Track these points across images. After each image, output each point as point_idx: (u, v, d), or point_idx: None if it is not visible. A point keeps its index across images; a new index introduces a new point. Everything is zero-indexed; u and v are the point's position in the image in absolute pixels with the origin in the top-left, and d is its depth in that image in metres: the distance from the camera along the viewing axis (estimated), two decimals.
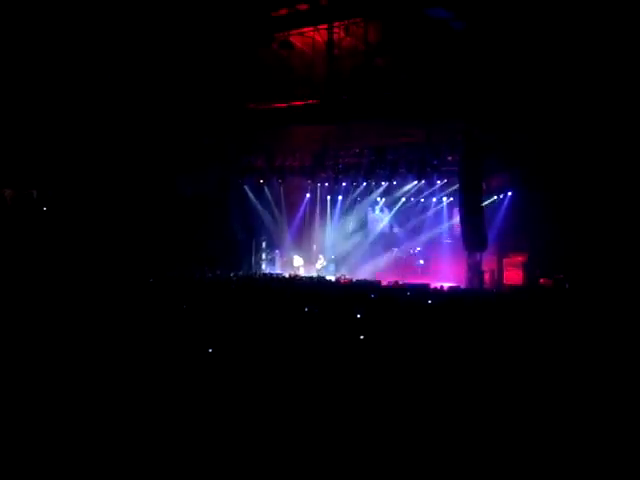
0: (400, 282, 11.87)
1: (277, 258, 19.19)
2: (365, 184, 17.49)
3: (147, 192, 13.32)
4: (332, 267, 18.08)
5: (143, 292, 7.56)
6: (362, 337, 4.71)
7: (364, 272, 15.15)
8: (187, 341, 4.08)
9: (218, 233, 16.53)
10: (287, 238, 19.05)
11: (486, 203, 12.49)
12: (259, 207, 18.74)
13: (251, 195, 18.48)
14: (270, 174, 16.36)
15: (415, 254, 17.50)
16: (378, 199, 18.44)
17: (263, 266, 19.11)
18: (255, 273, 15.61)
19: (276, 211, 19.09)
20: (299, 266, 18.48)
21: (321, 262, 16.92)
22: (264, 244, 19.46)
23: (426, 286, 11.35)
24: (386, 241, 17.27)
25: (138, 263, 12.02)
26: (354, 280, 12.24)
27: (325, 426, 2.45)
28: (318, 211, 19.11)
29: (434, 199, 17.36)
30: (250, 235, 18.40)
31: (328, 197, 18.24)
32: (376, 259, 16.38)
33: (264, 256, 19.29)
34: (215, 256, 15.45)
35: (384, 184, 17.21)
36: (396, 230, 17.07)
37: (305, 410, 2.61)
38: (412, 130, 13.20)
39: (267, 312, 6.08)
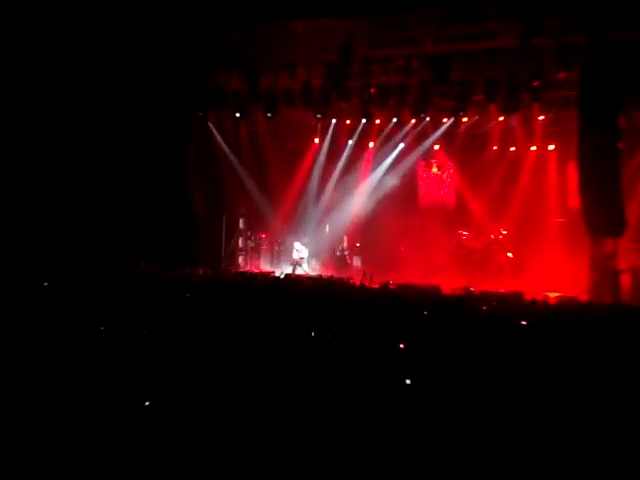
0: (472, 289, 12.14)
1: (274, 250, 19.77)
2: (414, 122, 17.75)
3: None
4: (358, 261, 18.61)
5: (28, 303, 7.60)
6: (408, 382, 5.04)
7: (406, 269, 15.89)
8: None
9: (163, 204, 16.76)
10: (281, 214, 19.35)
11: None
12: (234, 161, 18.97)
13: (220, 140, 18.64)
14: (252, 104, 16.77)
15: (499, 241, 17.91)
16: (436, 147, 18.81)
17: (240, 259, 19.47)
18: (226, 270, 15.69)
19: (262, 168, 19.40)
20: (301, 259, 18.72)
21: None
22: (242, 223, 19.88)
23: (519, 297, 11.56)
24: (446, 218, 18.22)
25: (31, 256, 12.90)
26: (390, 283, 12.23)
27: None
28: (336, 169, 19.45)
29: (533, 147, 17.56)
30: (218, 208, 18.69)
31: (350, 143, 18.87)
32: (427, 247, 17.20)
33: (242, 242, 19.72)
34: (157, 243, 16.35)
35: (446, 122, 17.48)
36: (465, 202, 18.36)
37: None
38: (496, 27, 13.27)
39: (242, 341, 6.25)
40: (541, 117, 16.19)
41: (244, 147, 19.05)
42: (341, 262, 18.92)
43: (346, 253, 19.21)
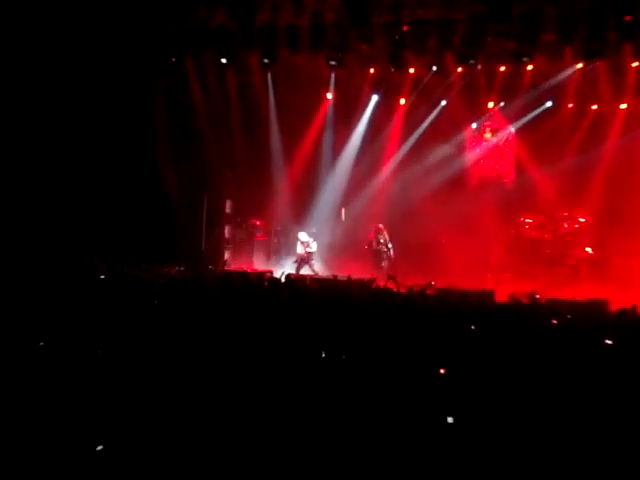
0: (538, 296, 11.78)
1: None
2: (460, 70, 17.49)
3: None
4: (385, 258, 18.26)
5: None
6: (450, 420, 5.33)
7: (449, 268, 15.99)
8: None
9: (125, 181, 17.05)
10: (282, 195, 19.45)
11: None
12: (219, 124, 18.98)
13: (200, 96, 18.54)
14: (244, 46, 16.85)
15: (574, 231, 17.83)
16: (490, 105, 18.73)
17: (227, 255, 19.44)
18: (208, 269, 16.27)
19: (257, 133, 19.28)
20: (307, 255, 18.70)
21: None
22: (229, 206, 19.88)
23: (602, 307, 11.76)
24: (503, 201, 18.34)
25: None
26: (427, 287, 12.37)
27: None
28: (355, 134, 19.37)
29: (623, 105, 17.43)
30: (197, 187, 18.75)
31: (374, 99, 19.16)
32: (477, 239, 17.35)
33: (230, 232, 19.81)
34: (115, 232, 16.60)
35: (504, 71, 17.23)
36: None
37: None
38: None
39: (224, 364, 6.57)
40: (635, 64, 16.02)
41: (232, 105, 18.96)
42: (378, 258, 18.48)
43: (389, 246, 18.64)
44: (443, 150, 19.19)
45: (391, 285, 12.23)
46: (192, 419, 5.35)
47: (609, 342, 7.51)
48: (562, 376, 6.44)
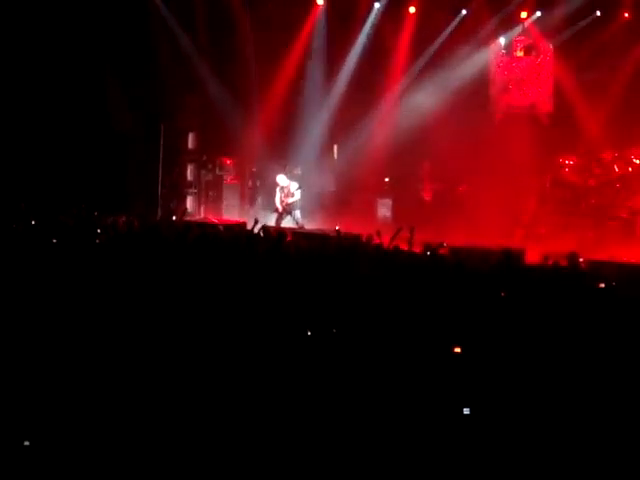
0: (581, 257, 11.88)
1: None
2: None
3: None
4: (387, 208, 18.30)
5: None
6: (467, 411, 5.57)
7: (470, 222, 16.15)
8: None
9: (65, 112, 17.03)
10: (258, 126, 19.22)
11: None
12: (180, 36, 18.65)
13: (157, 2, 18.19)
14: None
15: (627, 176, 17.90)
16: (522, 15, 18.53)
17: (190, 201, 19.43)
18: (166, 219, 16.18)
19: (228, 49, 19.04)
20: (289, 205, 18.51)
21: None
22: (192, 141, 19.76)
23: None
24: (537, 137, 18.18)
25: None
26: (442, 246, 12.22)
27: None
28: (353, 52, 19.10)
29: None
30: (152, 117, 18.53)
31: (376, 6, 19.00)
32: (505, 185, 17.34)
33: (193, 173, 19.68)
34: (53, 173, 16.70)
35: None
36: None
37: None
38: None
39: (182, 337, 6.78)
40: None
41: (197, 14, 18.80)
42: None
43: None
44: (462, 73, 18.84)
45: (399, 242, 12.05)
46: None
47: None
48: (608, 353, 6.66)
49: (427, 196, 17.92)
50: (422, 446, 5.26)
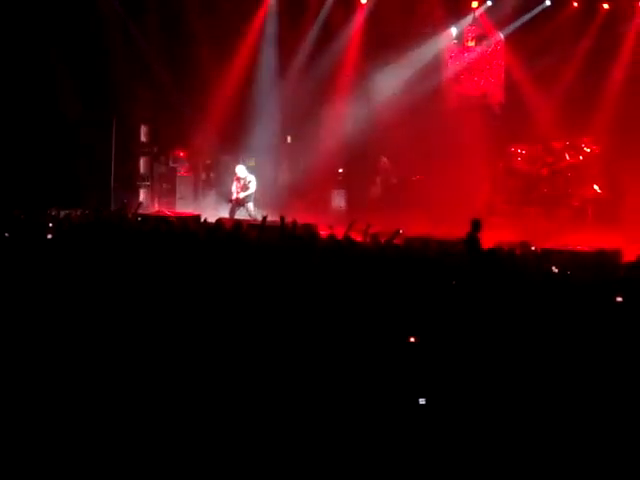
0: (533, 246, 12.45)
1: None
2: None
3: None
4: (341, 198, 18.30)
5: None
6: (422, 401, 5.63)
7: (423, 212, 16.14)
8: None
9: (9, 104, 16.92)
10: (212, 118, 19.16)
11: None
12: (130, 25, 18.58)
13: None
14: None
15: (579, 164, 17.97)
16: (473, 5, 18.55)
17: (143, 194, 19.27)
18: (118, 211, 15.84)
19: (179, 36, 18.93)
20: (244, 198, 18.44)
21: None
22: (144, 133, 19.65)
23: (613, 257, 12.33)
24: (489, 126, 18.35)
25: None
26: (397, 235, 12.18)
27: None
28: (307, 40, 19.12)
29: None
30: (103, 109, 18.39)
31: None
32: (458, 175, 17.43)
33: (146, 166, 19.53)
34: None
35: None
36: None
37: None
38: None
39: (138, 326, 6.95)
40: None
41: (149, 5, 18.69)
42: None
43: None
44: (414, 62, 18.91)
45: (354, 233, 12.15)
46: None
47: (619, 299, 7.69)
48: (560, 338, 6.71)
49: (382, 187, 17.94)
50: (377, 437, 5.29)
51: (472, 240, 12.14)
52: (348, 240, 11.43)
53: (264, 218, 14.30)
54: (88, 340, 6.59)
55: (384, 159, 18.79)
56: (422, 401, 5.65)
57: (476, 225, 12.49)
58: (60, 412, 5.56)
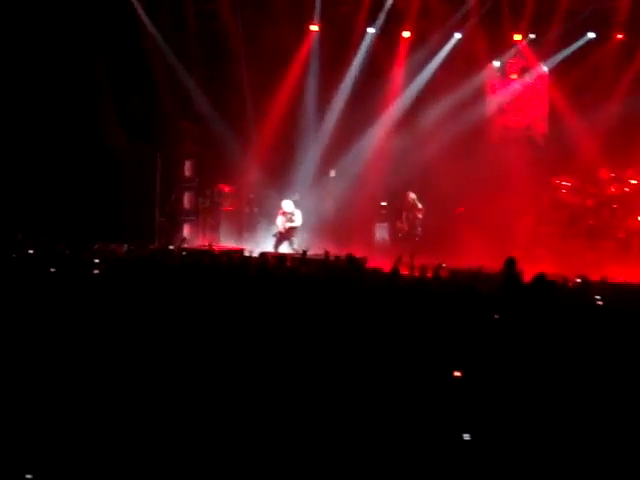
0: (577, 278, 12.27)
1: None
2: None
3: None
4: (384, 231, 18.27)
5: None
6: (467, 437, 5.59)
7: (467, 245, 16.28)
8: None
9: (55, 139, 17.07)
10: (256, 154, 19.24)
11: None
12: (175, 65, 18.73)
13: (151, 28, 18.36)
14: None
15: (625, 196, 17.80)
16: (516, 38, 18.51)
17: (187, 229, 19.30)
18: (164, 247, 16.20)
19: (224, 75, 19.16)
20: (290, 230, 18.47)
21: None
22: (189, 168, 19.71)
23: None
24: (534, 159, 18.30)
25: None
26: (441, 268, 12.46)
27: None
28: (348, 77, 19.18)
29: None
30: (147, 144, 18.50)
31: (370, 31, 19.14)
32: (501, 208, 17.31)
33: (190, 201, 19.60)
34: (44, 203, 16.73)
35: None
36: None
37: None
38: None
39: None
40: None
41: (192, 40, 18.78)
42: None
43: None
44: (457, 96, 18.84)
45: (401, 267, 12.16)
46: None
47: None
48: (609, 375, 6.58)
49: (426, 220, 17.95)
50: (423, 472, 5.26)
51: (510, 278, 12.10)
52: (396, 273, 11.51)
53: (304, 252, 14.48)
54: (136, 375, 6.65)
55: (411, 195, 18.71)
56: (466, 437, 5.61)
57: (510, 264, 12.43)
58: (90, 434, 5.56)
